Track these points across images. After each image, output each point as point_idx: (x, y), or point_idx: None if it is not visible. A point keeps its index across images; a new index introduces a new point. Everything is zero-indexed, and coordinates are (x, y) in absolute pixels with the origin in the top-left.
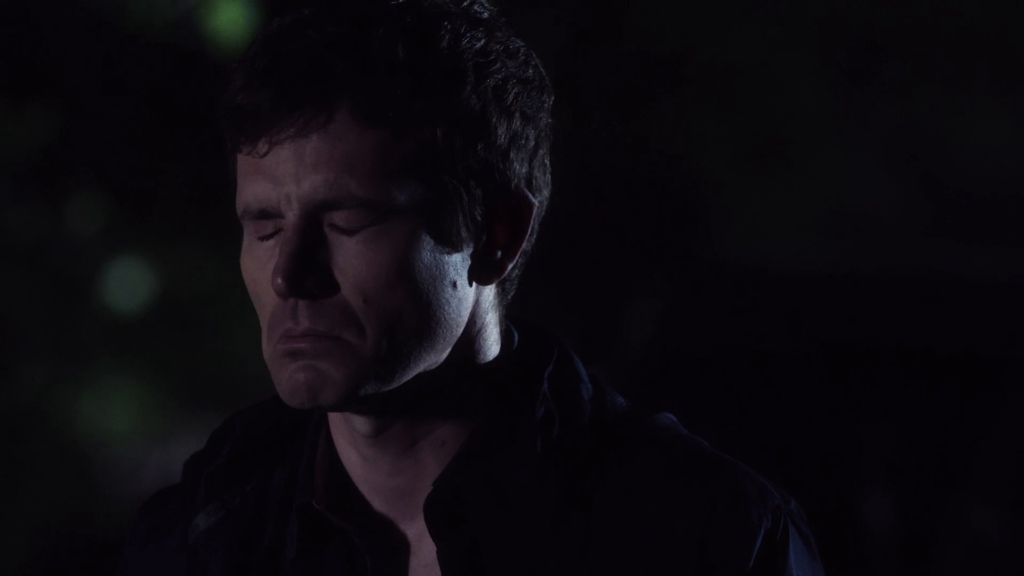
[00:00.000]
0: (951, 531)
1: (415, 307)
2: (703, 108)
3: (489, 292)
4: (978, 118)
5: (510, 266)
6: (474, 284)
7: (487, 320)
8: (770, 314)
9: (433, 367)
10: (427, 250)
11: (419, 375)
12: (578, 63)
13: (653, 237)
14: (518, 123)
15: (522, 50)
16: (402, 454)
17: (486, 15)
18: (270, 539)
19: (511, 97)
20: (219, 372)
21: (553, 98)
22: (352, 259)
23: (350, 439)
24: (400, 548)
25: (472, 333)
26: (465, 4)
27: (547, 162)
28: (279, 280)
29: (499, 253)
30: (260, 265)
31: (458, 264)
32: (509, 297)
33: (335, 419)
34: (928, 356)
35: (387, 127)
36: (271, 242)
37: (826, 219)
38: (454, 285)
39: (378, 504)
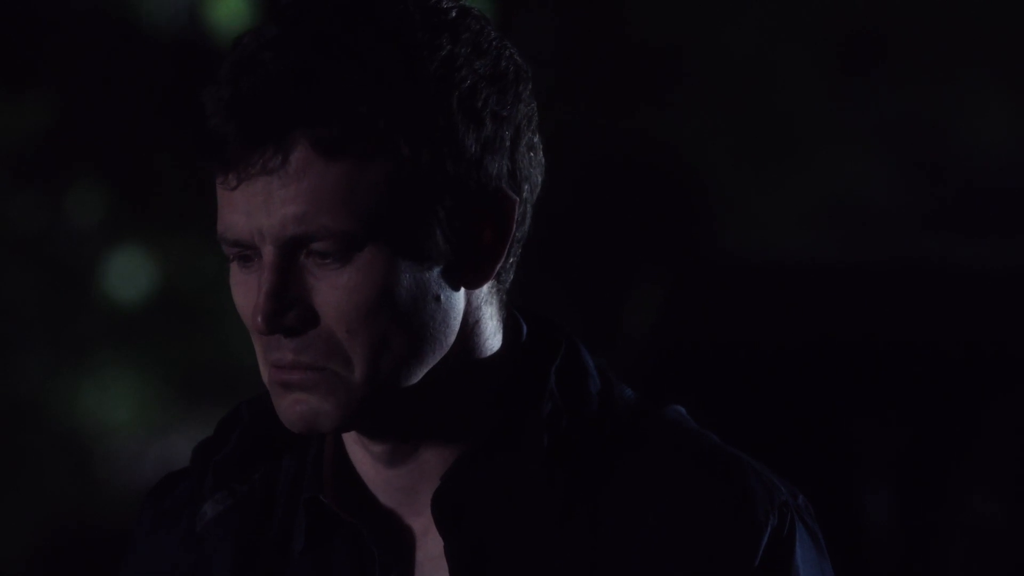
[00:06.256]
0: (954, 522)
1: (399, 331)
2: (703, 100)
3: (481, 289)
4: (979, 108)
5: (498, 266)
6: (462, 289)
7: (481, 315)
8: (771, 306)
9: (430, 374)
10: (406, 272)
11: (418, 382)
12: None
13: (652, 229)
14: (490, 128)
15: (494, 43)
16: (408, 451)
17: (454, 13)
18: (277, 530)
19: (480, 102)
20: (220, 363)
21: (531, 84)
22: (331, 291)
23: (356, 436)
24: (407, 541)
25: (466, 333)
26: (432, 2)
27: (535, 143)
28: (259, 320)
29: (484, 256)
30: (243, 292)
31: (440, 278)
32: (507, 285)
33: None
34: (929, 347)
35: (351, 157)
36: (252, 269)
37: (827, 211)
38: (437, 299)
39: (385, 499)
